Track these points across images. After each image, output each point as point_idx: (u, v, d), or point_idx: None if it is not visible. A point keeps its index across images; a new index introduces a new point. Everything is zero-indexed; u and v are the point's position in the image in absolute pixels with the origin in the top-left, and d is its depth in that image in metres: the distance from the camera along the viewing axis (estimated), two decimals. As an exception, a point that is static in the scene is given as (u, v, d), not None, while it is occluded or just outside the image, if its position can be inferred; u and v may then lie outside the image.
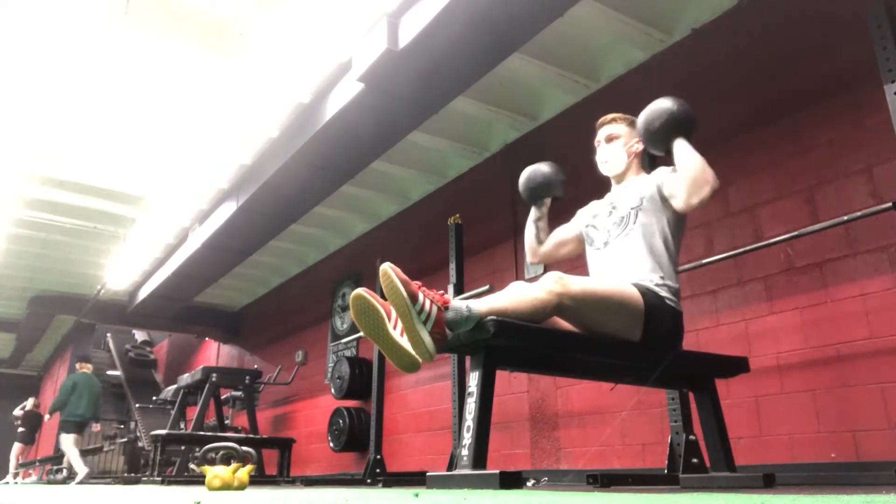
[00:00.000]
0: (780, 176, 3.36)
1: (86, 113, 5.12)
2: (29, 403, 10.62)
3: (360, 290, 1.78)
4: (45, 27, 4.11)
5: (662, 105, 2.15)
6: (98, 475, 9.92)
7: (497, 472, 1.64)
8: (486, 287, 4.70)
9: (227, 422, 8.44)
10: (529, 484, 3.77)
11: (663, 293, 2.09)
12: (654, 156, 2.35)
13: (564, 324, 2.04)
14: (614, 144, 2.36)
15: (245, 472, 2.81)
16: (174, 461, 7.17)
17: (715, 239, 3.55)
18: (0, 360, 15.01)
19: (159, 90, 4.79)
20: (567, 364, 2.22)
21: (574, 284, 1.93)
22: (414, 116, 4.52)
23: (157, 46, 4.29)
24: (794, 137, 3.34)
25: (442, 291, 1.83)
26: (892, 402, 2.74)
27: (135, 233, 7.25)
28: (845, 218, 2.87)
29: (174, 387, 8.41)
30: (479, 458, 1.74)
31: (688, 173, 2.03)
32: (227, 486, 2.70)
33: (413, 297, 1.71)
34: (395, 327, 1.75)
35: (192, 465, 6.61)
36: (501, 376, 1.95)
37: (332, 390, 6.70)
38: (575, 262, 2.64)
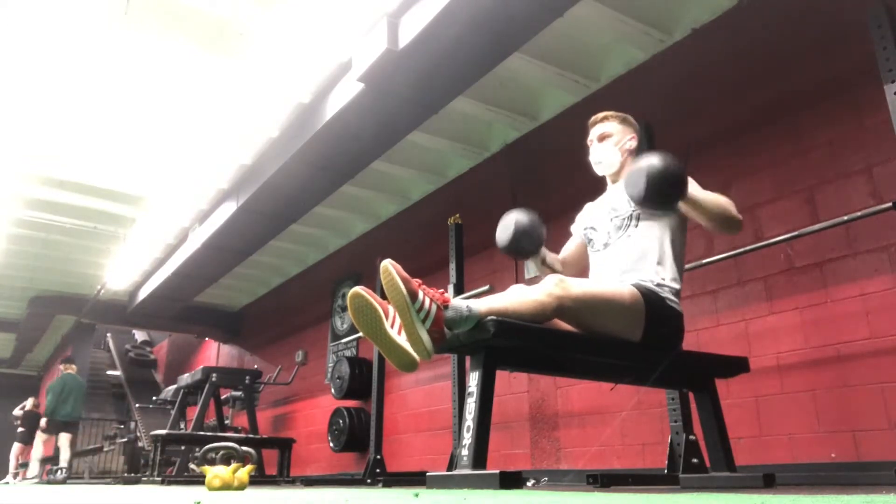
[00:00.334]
0: (780, 176, 3.36)
1: (86, 113, 5.12)
2: (29, 403, 10.60)
3: (358, 289, 1.77)
4: (45, 27, 4.11)
5: (639, 185, 1.92)
6: (98, 475, 9.93)
7: (497, 472, 1.64)
8: (486, 287, 4.70)
9: (227, 422, 8.43)
10: (529, 484, 3.77)
11: (664, 294, 2.09)
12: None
13: (564, 324, 2.04)
14: (607, 143, 2.34)
15: (245, 472, 2.81)
16: (174, 461, 7.16)
17: (715, 239, 3.55)
18: (0, 360, 15.00)
19: (159, 90, 4.79)
20: (567, 364, 2.22)
21: (575, 287, 1.93)
22: (414, 116, 4.51)
23: (157, 46, 4.29)
24: (794, 137, 3.34)
25: (442, 290, 1.82)
26: (892, 402, 2.74)
27: (135, 233, 7.25)
28: (845, 218, 2.88)
29: (174, 387, 8.39)
30: (479, 458, 1.74)
31: (717, 216, 2.09)
32: (227, 486, 2.70)
33: (413, 295, 1.71)
34: (392, 326, 1.75)
35: (192, 465, 6.62)
36: (501, 376, 1.94)
37: (332, 390, 6.70)
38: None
